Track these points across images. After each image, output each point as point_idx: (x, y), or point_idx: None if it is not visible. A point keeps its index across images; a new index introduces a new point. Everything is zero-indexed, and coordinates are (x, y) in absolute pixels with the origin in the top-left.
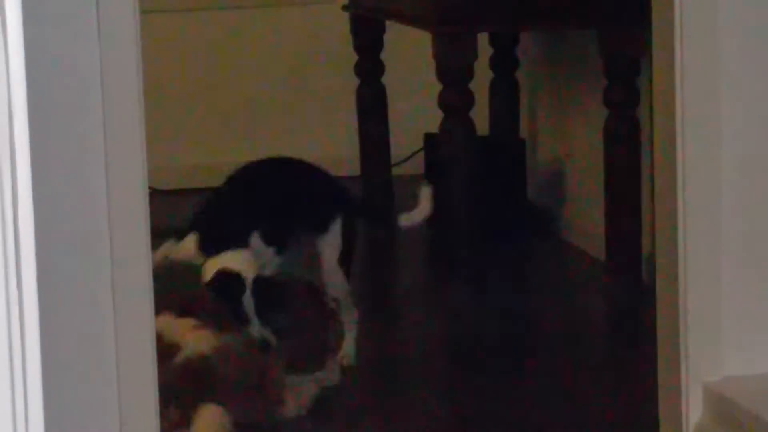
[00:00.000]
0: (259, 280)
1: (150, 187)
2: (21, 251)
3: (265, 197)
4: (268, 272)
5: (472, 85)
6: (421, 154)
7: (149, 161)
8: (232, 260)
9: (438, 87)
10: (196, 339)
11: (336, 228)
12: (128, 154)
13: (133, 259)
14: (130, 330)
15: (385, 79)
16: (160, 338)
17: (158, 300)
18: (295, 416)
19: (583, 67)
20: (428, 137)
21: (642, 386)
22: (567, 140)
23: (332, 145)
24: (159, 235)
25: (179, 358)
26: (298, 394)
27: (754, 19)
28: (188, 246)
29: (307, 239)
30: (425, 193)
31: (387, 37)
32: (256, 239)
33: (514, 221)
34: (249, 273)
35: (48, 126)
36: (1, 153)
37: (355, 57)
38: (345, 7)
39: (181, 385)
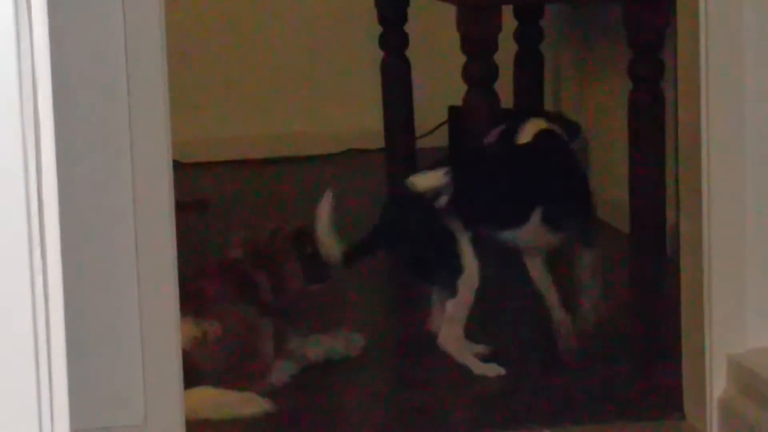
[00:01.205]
0: None
1: (174, 160)
2: (45, 225)
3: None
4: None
5: (496, 58)
6: (446, 126)
7: (173, 134)
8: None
9: (462, 59)
10: None
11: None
12: (153, 126)
13: (157, 232)
14: (155, 301)
15: (410, 52)
16: None
17: None
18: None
19: (607, 40)
20: (452, 110)
21: (666, 358)
22: (591, 113)
23: (357, 118)
24: (183, 208)
25: None
26: (279, 371)
27: None
28: None
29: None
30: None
31: (411, 10)
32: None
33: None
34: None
35: (72, 98)
36: (26, 127)
37: (379, 29)
38: None
39: None
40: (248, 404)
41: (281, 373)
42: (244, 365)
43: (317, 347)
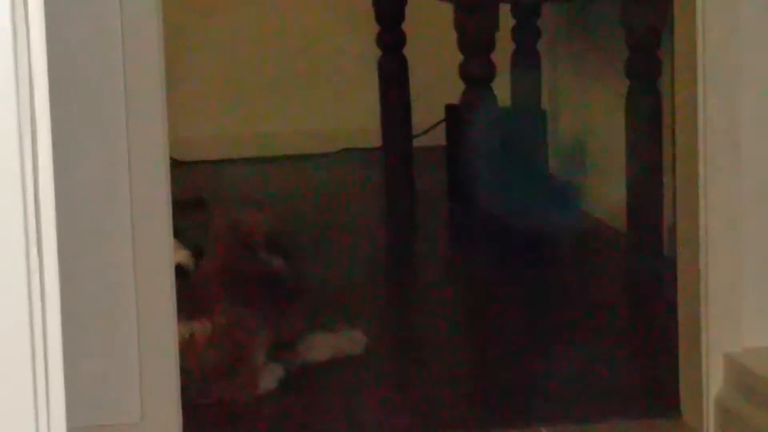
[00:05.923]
0: None
1: (171, 159)
2: (42, 223)
3: None
4: None
5: (493, 56)
6: (443, 125)
7: (171, 132)
8: None
9: (459, 58)
10: None
11: None
12: (150, 124)
13: (155, 230)
14: (152, 299)
15: (407, 50)
16: None
17: None
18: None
19: (604, 38)
20: (450, 108)
21: (663, 357)
22: (588, 111)
23: (354, 117)
24: (180, 206)
25: None
26: (270, 375)
27: None
28: None
29: None
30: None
31: (409, 8)
32: None
33: (535, 193)
34: None
35: (69, 97)
36: (22, 126)
37: (376, 28)
38: None
39: None
40: None
41: (270, 378)
42: (232, 369)
43: (320, 346)
